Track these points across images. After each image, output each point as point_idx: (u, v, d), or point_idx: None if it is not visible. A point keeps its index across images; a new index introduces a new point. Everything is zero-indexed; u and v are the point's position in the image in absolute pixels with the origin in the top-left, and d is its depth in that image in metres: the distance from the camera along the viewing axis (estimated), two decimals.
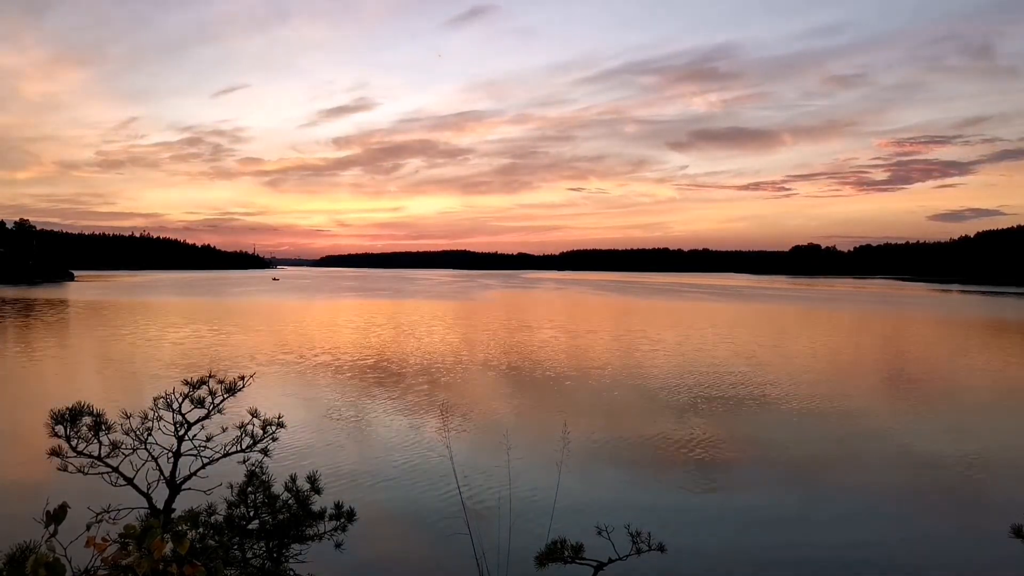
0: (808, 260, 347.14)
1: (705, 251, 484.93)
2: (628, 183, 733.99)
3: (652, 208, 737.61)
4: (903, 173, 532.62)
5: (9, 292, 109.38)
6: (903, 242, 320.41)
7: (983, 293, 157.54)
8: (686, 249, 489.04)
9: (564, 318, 73.45)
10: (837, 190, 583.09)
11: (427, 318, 70.80)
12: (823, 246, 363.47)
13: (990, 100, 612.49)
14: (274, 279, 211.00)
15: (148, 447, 6.44)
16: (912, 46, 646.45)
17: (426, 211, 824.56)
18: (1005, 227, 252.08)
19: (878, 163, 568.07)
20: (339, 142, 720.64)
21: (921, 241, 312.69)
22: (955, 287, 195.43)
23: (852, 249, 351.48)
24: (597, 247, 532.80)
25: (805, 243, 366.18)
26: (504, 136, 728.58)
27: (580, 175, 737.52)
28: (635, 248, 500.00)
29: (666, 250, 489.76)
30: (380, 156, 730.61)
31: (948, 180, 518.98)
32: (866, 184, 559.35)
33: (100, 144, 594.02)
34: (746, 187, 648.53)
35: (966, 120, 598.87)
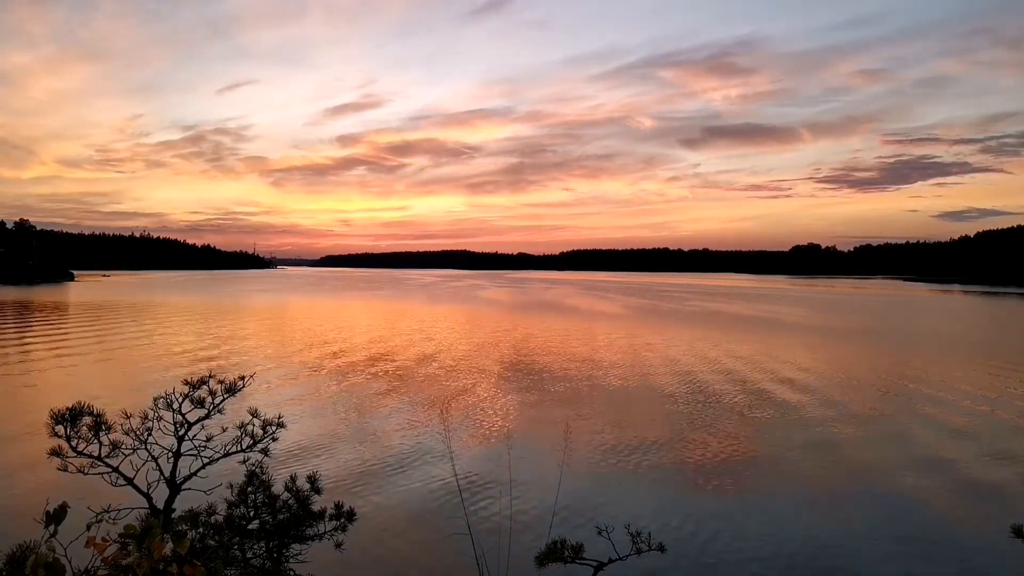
0: (808, 260, 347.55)
1: (705, 251, 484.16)
2: (639, 182, 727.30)
3: (662, 208, 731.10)
4: (908, 172, 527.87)
5: (8, 291, 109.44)
6: (903, 242, 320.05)
7: (983, 293, 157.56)
8: (686, 249, 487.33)
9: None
10: (847, 189, 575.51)
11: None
12: (823, 246, 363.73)
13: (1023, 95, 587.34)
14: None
15: (148, 447, 6.43)
16: (945, 38, 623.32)
17: (432, 211, 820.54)
18: (1005, 227, 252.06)
19: (887, 162, 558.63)
20: (347, 140, 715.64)
21: (922, 240, 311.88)
22: (955, 287, 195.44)
23: (852, 249, 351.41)
24: (599, 247, 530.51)
25: (806, 243, 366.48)
26: (515, 134, 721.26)
27: (591, 174, 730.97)
28: (635, 248, 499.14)
29: (667, 250, 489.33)
30: (388, 155, 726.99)
31: (953, 179, 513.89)
32: (871, 183, 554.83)
33: (105, 143, 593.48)
34: (757, 186, 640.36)
35: (993, 116, 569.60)
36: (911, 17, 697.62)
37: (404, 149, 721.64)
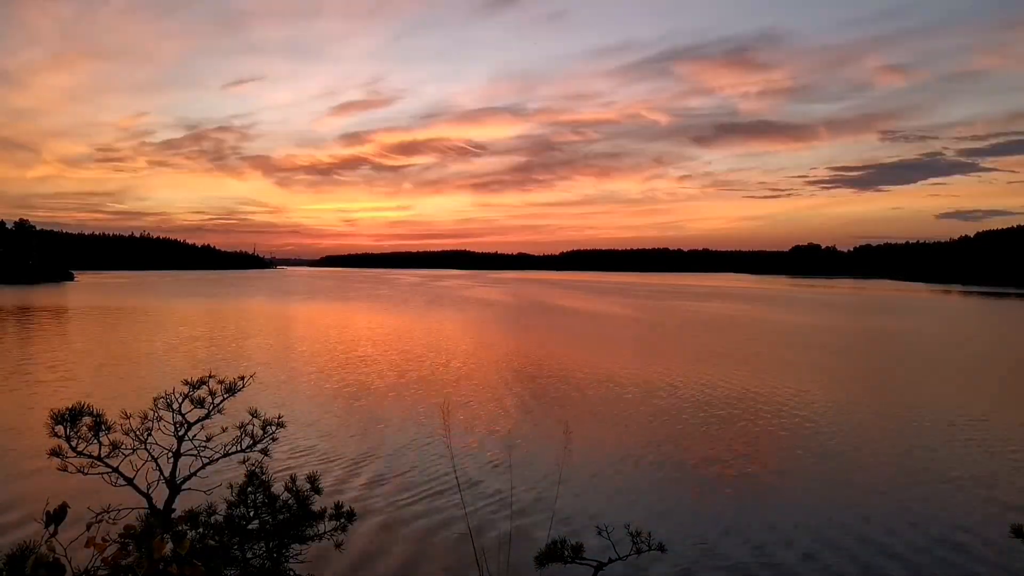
0: (808, 260, 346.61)
1: (705, 251, 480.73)
2: (649, 180, 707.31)
3: (671, 207, 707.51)
4: (910, 171, 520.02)
5: (7, 291, 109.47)
6: (903, 242, 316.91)
7: (983, 294, 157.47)
8: (686, 249, 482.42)
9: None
10: (848, 189, 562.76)
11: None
12: (823, 246, 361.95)
13: None
14: None
15: (148, 447, 6.42)
16: (977, 31, 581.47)
17: (438, 210, 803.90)
18: (1006, 227, 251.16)
19: (887, 162, 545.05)
20: (354, 138, 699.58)
21: (923, 241, 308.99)
22: (956, 287, 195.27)
23: (852, 249, 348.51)
24: (602, 247, 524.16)
25: (806, 243, 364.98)
26: (525, 132, 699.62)
27: (601, 172, 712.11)
28: (635, 248, 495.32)
29: (666, 250, 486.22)
30: (394, 153, 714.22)
31: (957, 177, 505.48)
32: (871, 182, 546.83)
33: (108, 142, 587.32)
34: (768, 185, 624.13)
35: (1019, 112, 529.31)
36: (943, 8, 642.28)
37: (411, 148, 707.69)
